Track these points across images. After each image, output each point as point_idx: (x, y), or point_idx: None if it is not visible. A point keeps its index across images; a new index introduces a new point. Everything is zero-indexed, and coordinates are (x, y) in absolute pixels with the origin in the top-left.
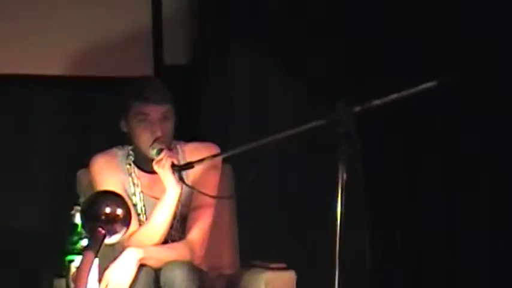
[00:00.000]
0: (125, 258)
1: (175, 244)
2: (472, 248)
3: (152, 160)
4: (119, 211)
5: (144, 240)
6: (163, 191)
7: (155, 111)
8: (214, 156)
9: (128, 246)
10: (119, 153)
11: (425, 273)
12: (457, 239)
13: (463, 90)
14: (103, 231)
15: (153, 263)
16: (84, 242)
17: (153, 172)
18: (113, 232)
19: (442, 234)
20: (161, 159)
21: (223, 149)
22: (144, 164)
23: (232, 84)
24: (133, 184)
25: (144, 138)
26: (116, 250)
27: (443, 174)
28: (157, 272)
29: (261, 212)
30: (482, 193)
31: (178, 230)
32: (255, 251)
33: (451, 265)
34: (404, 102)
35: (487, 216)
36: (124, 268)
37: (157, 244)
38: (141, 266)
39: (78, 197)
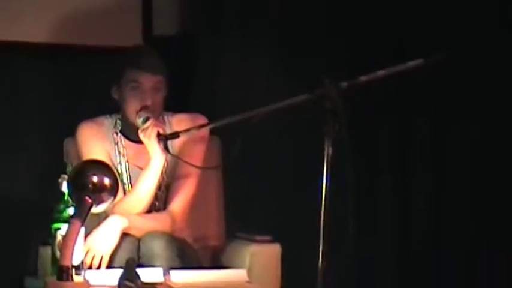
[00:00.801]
0: (108, 225)
1: (157, 214)
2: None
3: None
4: (106, 180)
5: (128, 209)
6: (149, 161)
7: (148, 80)
8: (201, 126)
9: (112, 214)
10: (106, 121)
11: (413, 240)
12: (444, 215)
13: (458, 72)
14: (90, 200)
15: (135, 232)
16: (70, 211)
17: (140, 142)
18: (99, 201)
19: (430, 206)
20: (147, 128)
21: (211, 121)
22: (131, 134)
23: (222, 56)
24: (119, 153)
25: (133, 106)
26: (101, 218)
27: (431, 147)
28: (138, 241)
29: (248, 185)
30: (466, 172)
31: (162, 199)
32: (240, 223)
33: (437, 234)
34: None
35: (472, 195)
36: (107, 235)
37: (141, 213)
38: (124, 234)
39: (65, 165)
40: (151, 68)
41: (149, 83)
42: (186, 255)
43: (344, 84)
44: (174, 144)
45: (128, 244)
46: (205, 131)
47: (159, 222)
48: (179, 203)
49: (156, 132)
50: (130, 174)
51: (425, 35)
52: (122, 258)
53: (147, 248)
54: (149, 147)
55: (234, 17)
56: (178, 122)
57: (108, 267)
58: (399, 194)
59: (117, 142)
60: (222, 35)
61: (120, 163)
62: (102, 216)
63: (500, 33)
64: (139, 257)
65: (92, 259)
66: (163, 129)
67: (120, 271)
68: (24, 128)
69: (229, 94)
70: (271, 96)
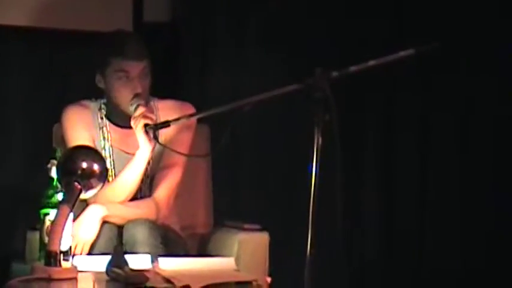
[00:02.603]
0: (87, 215)
1: (140, 202)
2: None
3: (127, 115)
4: (96, 166)
5: (110, 197)
6: (135, 145)
7: (135, 67)
8: (191, 115)
9: (94, 202)
10: (91, 105)
11: (396, 233)
12: (429, 201)
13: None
14: (79, 186)
15: (116, 220)
16: (59, 196)
17: (125, 127)
18: (88, 187)
19: (415, 196)
20: (137, 116)
21: (200, 109)
22: (117, 119)
23: (212, 43)
24: (104, 138)
25: (124, 95)
26: (84, 206)
27: (417, 142)
28: (121, 229)
29: (236, 173)
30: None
31: (148, 186)
32: (229, 211)
33: (422, 224)
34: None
35: (459, 180)
36: (87, 225)
37: (124, 202)
38: (104, 222)
39: (54, 150)
40: (136, 55)
41: (136, 70)
42: (170, 242)
43: (334, 73)
44: (161, 132)
45: (107, 231)
46: (192, 119)
47: (142, 209)
48: (163, 190)
49: (143, 124)
50: (115, 159)
51: (419, 26)
52: (101, 245)
53: (130, 235)
54: (137, 136)
55: (224, 4)
56: (165, 108)
57: (88, 254)
58: (384, 187)
59: (102, 127)
60: (212, 22)
61: (104, 148)
62: (84, 205)
63: (493, 26)
64: (121, 244)
65: (75, 247)
66: (153, 120)
67: (107, 257)
68: (13, 113)
69: (219, 82)
70: (261, 84)
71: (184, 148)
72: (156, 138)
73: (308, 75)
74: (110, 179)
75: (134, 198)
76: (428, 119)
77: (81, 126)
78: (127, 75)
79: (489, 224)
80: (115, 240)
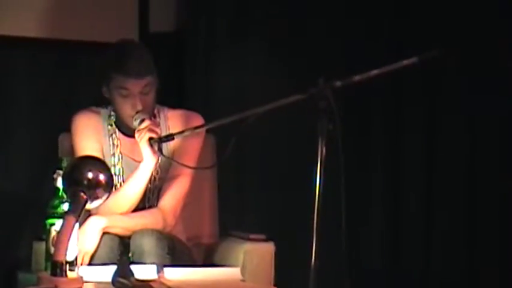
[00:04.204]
0: (87, 226)
1: (145, 212)
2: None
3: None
4: (101, 177)
5: (113, 208)
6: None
7: (135, 85)
8: (195, 128)
9: (96, 213)
10: (101, 111)
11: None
12: (435, 203)
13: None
14: (85, 196)
15: (117, 231)
16: (65, 206)
17: (133, 136)
18: (94, 197)
19: (422, 206)
20: (141, 130)
21: (206, 119)
22: (125, 128)
23: (217, 53)
24: (113, 145)
25: (125, 110)
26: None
27: (424, 145)
28: (124, 239)
29: (242, 184)
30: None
31: (156, 197)
32: (235, 222)
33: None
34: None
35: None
36: (87, 236)
37: (126, 213)
38: (104, 233)
39: (60, 160)
40: (137, 71)
41: (137, 88)
42: (177, 252)
43: (338, 83)
44: (170, 141)
45: (108, 241)
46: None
47: (146, 219)
48: (169, 200)
49: (148, 137)
50: (124, 166)
51: (422, 33)
52: (102, 256)
53: (136, 245)
54: (142, 149)
55: (229, 14)
56: (174, 118)
57: (89, 265)
58: (390, 191)
59: (112, 134)
60: (217, 33)
61: (113, 154)
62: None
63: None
64: (127, 254)
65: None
66: (158, 133)
67: (111, 267)
68: (19, 123)
69: (223, 91)
70: (265, 93)
71: (192, 157)
72: (160, 151)
73: (312, 85)
74: (118, 185)
75: (142, 208)
76: (435, 122)
77: (91, 133)
78: (128, 93)
79: (496, 227)
80: (116, 251)
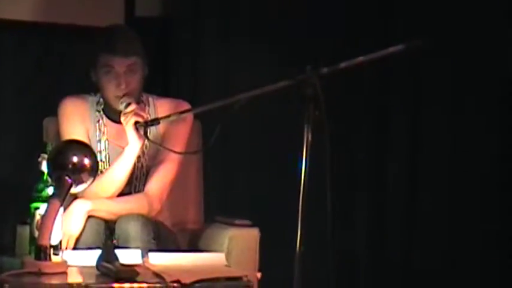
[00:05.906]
0: (73, 209)
1: (130, 197)
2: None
3: (120, 111)
4: (86, 161)
5: (98, 192)
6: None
7: (120, 63)
8: (181, 113)
9: (82, 197)
10: (90, 98)
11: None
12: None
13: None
14: (70, 180)
15: (102, 215)
16: (50, 190)
17: (120, 122)
18: (79, 181)
19: (405, 194)
20: (127, 114)
21: (193, 104)
22: (113, 114)
23: (203, 38)
24: (100, 131)
25: (109, 90)
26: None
27: (409, 134)
28: (109, 223)
29: (227, 169)
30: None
31: (143, 183)
32: (220, 207)
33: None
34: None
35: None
36: (72, 219)
37: (111, 197)
38: (90, 216)
39: (45, 144)
40: (123, 50)
41: (122, 66)
42: (162, 237)
43: (324, 70)
44: (158, 127)
45: (93, 225)
46: (190, 115)
47: (131, 204)
48: (156, 185)
49: (134, 121)
50: (110, 152)
51: (408, 21)
52: (87, 240)
53: (122, 230)
54: (128, 132)
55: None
56: (161, 105)
57: (74, 249)
58: (375, 175)
59: (99, 120)
60: (203, 17)
61: (99, 141)
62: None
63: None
64: (112, 238)
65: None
66: (145, 116)
67: (96, 252)
68: (3, 107)
69: (210, 77)
70: (252, 79)
71: (179, 142)
72: (146, 135)
73: (299, 72)
74: (104, 171)
75: (128, 193)
76: (421, 103)
77: (77, 119)
78: (112, 71)
79: (478, 221)
80: (102, 235)
